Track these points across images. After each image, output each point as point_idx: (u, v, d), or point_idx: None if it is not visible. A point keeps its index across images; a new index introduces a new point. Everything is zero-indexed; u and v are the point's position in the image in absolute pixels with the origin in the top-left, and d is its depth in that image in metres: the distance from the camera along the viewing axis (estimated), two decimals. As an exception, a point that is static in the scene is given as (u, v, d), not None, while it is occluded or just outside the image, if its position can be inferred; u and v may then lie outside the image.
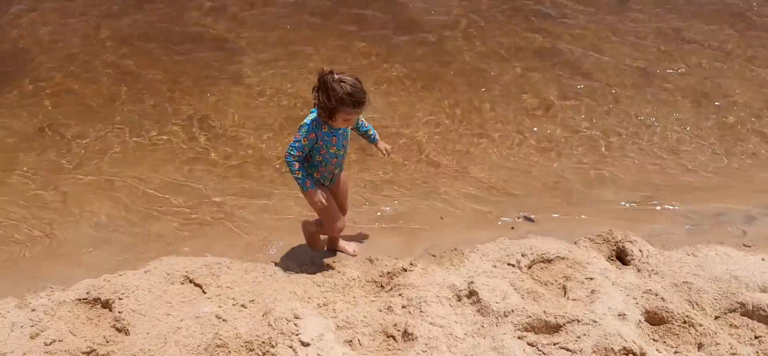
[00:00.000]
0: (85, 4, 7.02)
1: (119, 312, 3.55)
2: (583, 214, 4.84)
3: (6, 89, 5.88)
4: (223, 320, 3.45)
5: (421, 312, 3.56)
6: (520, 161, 5.36)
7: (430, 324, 3.46)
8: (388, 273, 3.98)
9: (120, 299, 3.64)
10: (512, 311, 3.46)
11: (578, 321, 3.35)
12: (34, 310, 3.58)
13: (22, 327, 3.43)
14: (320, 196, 3.73)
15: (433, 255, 4.42)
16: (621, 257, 4.30)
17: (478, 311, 3.58)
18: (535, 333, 3.35)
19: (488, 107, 5.94)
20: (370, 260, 4.17)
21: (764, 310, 3.43)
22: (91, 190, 4.90)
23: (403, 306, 3.62)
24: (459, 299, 3.74)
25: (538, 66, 6.48)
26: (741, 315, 3.50)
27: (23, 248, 4.43)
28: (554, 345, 3.19)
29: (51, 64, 6.25)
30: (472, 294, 3.69)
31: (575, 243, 4.37)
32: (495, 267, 3.99)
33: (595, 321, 3.34)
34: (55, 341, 3.28)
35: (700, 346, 3.30)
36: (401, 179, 5.17)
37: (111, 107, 5.75)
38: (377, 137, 4.13)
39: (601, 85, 6.24)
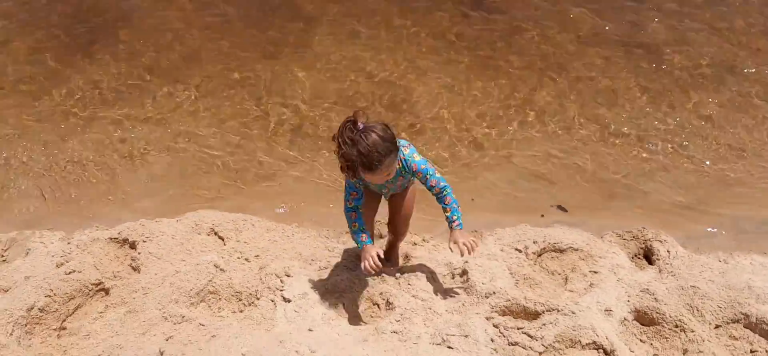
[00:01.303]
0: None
1: (138, 253, 3.90)
2: (621, 209, 4.64)
3: (102, 44, 6.48)
4: (222, 270, 3.70)
5: (409, 284, 3.63)
6: (569, 152, 5.19)
7: (413, 296, 3.52)
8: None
9: (144, 242, 3.99)
10: (494, 293, 3.44)
11: (557, 311, 3.28)
12: (69, 243, 4.03)
13: (53, 256, 3.88)
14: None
15: (451, 235, 4.43)
16: (648, 256, 4.11)
17: (465, 290, 3.59)
18: (510, 317, 3.31)
19: (549, 93, 5.75)
20: (380, 236, 4.26)
21: (766, 324, 3.17)
22: (154, 142, 5.35)
23: (396, 278, 3.70)
24: (452, 277, 3.78)
25: (612, 55, 6.17)
26: (744, 326, 3.27)
27: (87, 189, 4.95)
28: (519, 329, 3.15)
29: (142, 23, 6.79)
30: (464, 273, 3.71)
31: (601, 237, 4.23)
32: (502, 250, 3.97)
33: (573, 313, 3.26)
34: (74, 271, 3.67)
35: (684, 352, 3.13)
36: (443, 156, 5.19)
37: (189, 67, 6.17)
38: (457, 218, 3.27)
39: (675, 81, 5.84)
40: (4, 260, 4.16)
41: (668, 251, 3.99)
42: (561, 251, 3.99)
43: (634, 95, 5.68)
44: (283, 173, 5.11)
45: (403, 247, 4.06)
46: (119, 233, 4.11)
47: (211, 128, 5.49)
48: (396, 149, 2.97)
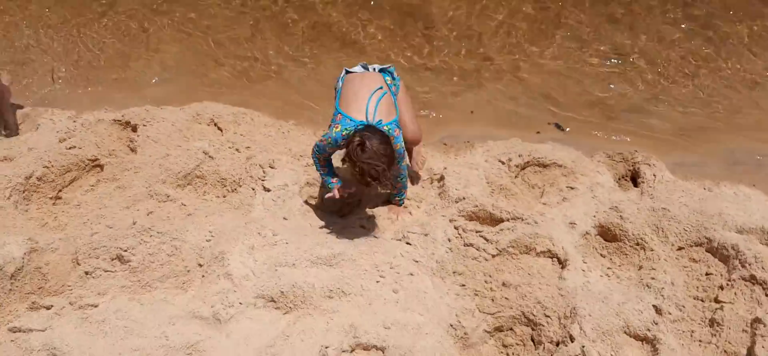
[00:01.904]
0: None
1: (137, 136, 4.10)
2: (619, 132, 4.61)
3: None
4: (211, 157, 3.87)
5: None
6: (578, 73, 5.12)
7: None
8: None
9: (144, 125, 4.18)
10: (464, 199, 3.52)
11: (521, 219, 3.35)
12: (75, 122, 4.25)
13: (58, 132, 4.10)
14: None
15: (445, 144, 4.50)
16: (635, 178, 4.10)
17: (439, 194, 3.68)
18: (473, 221, 3.40)
19: (573, 18, 5.61)
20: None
21: (727, 250, 3.17)
22: (170, 33, 5.50)
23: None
24: (431, 182, 3.87)
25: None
26: (706, 250, 3.27)
27: (102, 73, 5.16)
28: (477, 232, 3.24)
29: None
30: (441, 178, 3.79)
31: (591, 157, 4.22)
32: (486, 161, 4.00)
33: (536, 222, 3.34)
34: (74, 147, 3.90)
35: (639, 269, 3.18)
36: (448, 68, 5.20)
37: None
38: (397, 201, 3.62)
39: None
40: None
41: (654, 175, 3.96)
42: (545, 166, 4.01)
43: (656, 23, 5.50)
44: (289, 72, 5.20)
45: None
46: (123, 116, 4.29)
47: (226, 23, 5.59)
48: (395, 157, 3.16)
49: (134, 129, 4.23)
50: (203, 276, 2.81)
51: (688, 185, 3.87)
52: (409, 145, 3.83)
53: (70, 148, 3.91)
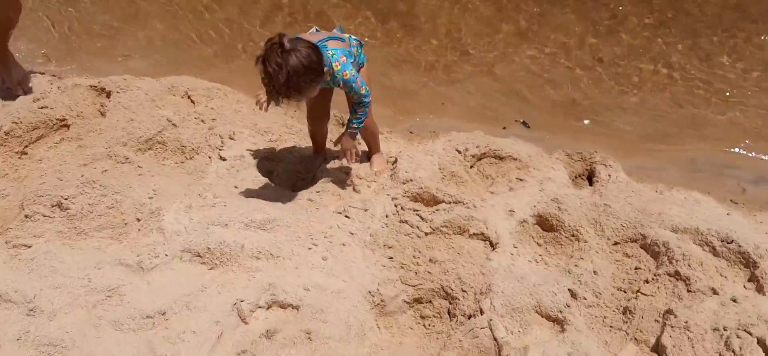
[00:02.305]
0: None
1: (109, 101, 4.24)
2: (583, 133, 4.67)
3: None
4: (174, 125, 4.00)
5: (341, 165, 3.84)
6: (551, 74, 5.19)
7: (340, 176, 3.74)
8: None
9: (118, 92, 4.32)
10: (411, 181, 3.60)
11: (461, 204, 3.44)
12: (52, 84, 4.40)
13: (35, 92, 4.26)
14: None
15: (411, 132, 4.60)
16: (591, 178, 4.16)
17: (391, 176, 3.77)
18: (416, 202, 3.48)
19: (553, 20, 5.69)
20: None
21: (658, 246, 3.22)
22: (159, 9, 5.65)
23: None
24: (387, 161, 3.96)
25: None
26: (639, 246, 3.32)
27: (91, 42, 5.32)
28: (415, 211, 3.33)
29: None
30: (395, 161, 3.88)
31: (550, 155, 4.29)
32: (444, 149, 4.07)
33: (474, 206, 3.42)
34: (46, 106, 4.04)
35: (570, 258, 3.25)
36: (425, 59, 5.30)
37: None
38: (352, 129, 3.46)
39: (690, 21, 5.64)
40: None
41: (609, 175, 4.01)
42: (501, 158, 4.07)
43: (634, 28, 5.56)
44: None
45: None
46: (99, 82, 4.43)
47: (214, 4, 5.74)
48: (322, 72, 3.02)
49: (108, 95, 4.36)
50: (139, 230, 2.92)
51: (640, 187, 3.92)
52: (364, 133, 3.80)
53: (42, 108, 4.05)
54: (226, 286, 2.61)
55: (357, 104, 3.35)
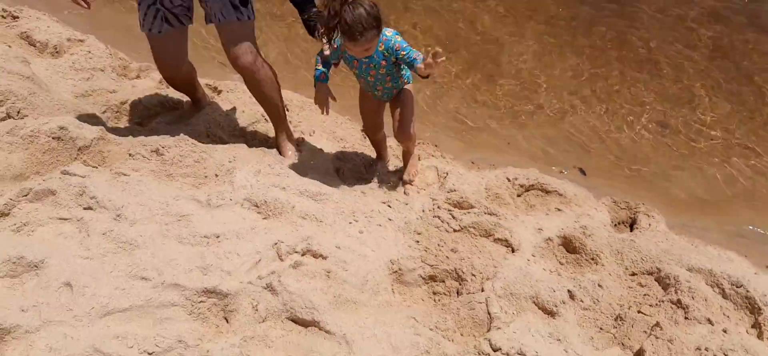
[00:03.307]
0: None
1: (219, 96, 5.00)
2: (637, 187, 4.93)
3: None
4: (266, 120, 4.68)
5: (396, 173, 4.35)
6: (615, 130, 5.49)
7: (398, 177, 4.25)
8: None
9: (227, 92, 5.10)
10: (455, 190, 4.04)
11: (494, 215, 3.83)
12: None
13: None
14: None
15: (473, 163, 5.05)
16: (632, 226, 4.42)
17: (439, 186, 4.23)
18: (453, 206, 3.90)
19: (624, 80, 6.02)
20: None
21: (669, 279, 3.47)
22: (274, 36, 6.47)
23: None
24: (438, 178, 4.42)
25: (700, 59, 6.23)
26: (654, 278, 3.58)
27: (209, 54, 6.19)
28: (449, 212, 3.75)
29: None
30: (446, 175, 4.34)
31: (597, 199, 4.59)
32: (496, 177, 4.49)
33: (505, 217, 3.80)
34: (167, 95, 4.85)
35: (582, 275, 3.55)
36: (499, 103, 5.76)
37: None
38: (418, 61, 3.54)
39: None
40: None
41: (649, 224, 4.27)
42: (547, 192, 4.41)
43: (704, 101, 5.77)
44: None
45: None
46: (214, 82, 5.21)
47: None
48: (379, 27, 3.35)
49: (219, 92, 5.14)
50: (214, 182, 3.55)
51: (676, 238, 4.14)
52: (400, 139, 4.04)
53: (164, 95, 4.86)
54: (272, 230, 3.15)
55: (414, 59, 3.53)
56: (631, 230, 4.33)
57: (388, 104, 4.12)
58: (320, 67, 3.72)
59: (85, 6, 3.52)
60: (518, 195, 4.41)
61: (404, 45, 3.57)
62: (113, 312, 2.59)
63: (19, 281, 2.68)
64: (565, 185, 4.50)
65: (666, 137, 5.43)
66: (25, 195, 3.09)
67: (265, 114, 4.62)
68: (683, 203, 4.82)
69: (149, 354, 2.48)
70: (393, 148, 4.62)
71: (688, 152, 5.27)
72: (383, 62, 3.69)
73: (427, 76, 3.55)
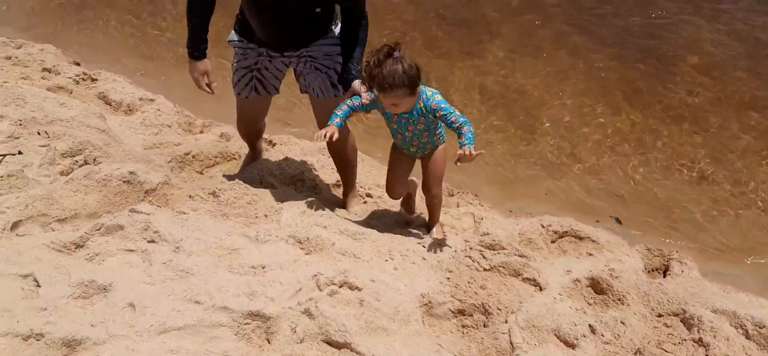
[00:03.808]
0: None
1: (273, 148, 5.43)
2: (672, 236, 5.06)
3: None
4: (315, 171, 5.05)
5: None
6: (653, 183, 5.64)
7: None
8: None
9: (281, 144, 5.52)
10: (488, 234, 4.28)
11: (524, 257, 4.05)
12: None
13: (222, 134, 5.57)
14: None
15: (510, 211, 5.28)
16: (665, 273, 4.55)
17: (474, 231, 4.48)
18: (485, 248, 4.14)
19: (667, 134, 6.18)
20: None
21: (693, 320, 3.58)
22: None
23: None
24: (474, 221, 4.67)
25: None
26: (680, 319, 3.70)
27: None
28: (480, 252, 3.99)
29: None
30: (481, 219, 4.59)
31: (631, 246, 4.74)
32: (530, 223, 4.71)
33: (534, 258, 4.02)
34: (227, 145, 5.30)
35: (606, 312, 3.71)
36: (539, 156, 6.00)
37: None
38: (467, 142, 3.56)
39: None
40: None
41: (682, 271, 4.39)
42: (580, 238, 4.58)
43: (745, 153, 5.87)
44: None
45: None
46: (270, 137, 5.66)
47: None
48: (413, 88, 3.53)
49: (273, 144, 5.56)
50: (263, 222, 3.92)
51: (708, 284, 4.25)
52: (425, 191, 4.17)
53: (224, 145, 5.32)
54: (312, 264, 3.47)
55: (459, 128, 3.61)
56: (664, 277, 4.44)
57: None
58: (340, 112, 3.80)
59: (210, 92, 4.09)
60: (552, 242, 4.59)
61: (443, 105, 3.70)
62: (169, 330, 2.92)
63: (90, 301, 3.06)
64: (599, 232, 4.66)
65: (702, 187, 5.54)
66: (98, 229, 3.50)
67: (313, 165, 5.00)
68: (716, 253, 4.91)
69: (199, 367, 2.80)
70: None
71: (724, 203, 5.36)
72: (422, 119, 3.81)
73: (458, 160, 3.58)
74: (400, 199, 4.61)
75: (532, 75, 7.08)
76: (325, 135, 3.60)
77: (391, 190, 4.30)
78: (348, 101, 3.82)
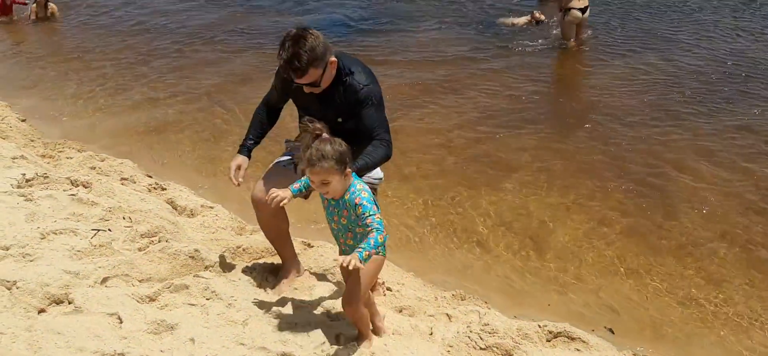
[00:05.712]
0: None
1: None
2: (657, 346, 5.68)
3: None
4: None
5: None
6: (647, 303, 6.29)
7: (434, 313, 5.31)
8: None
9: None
10: (487, 325, 5.02)
11: (516, 343, 4.77)
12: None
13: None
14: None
15: (515, 317, 6.00)
16: (649, 377, 5.17)
17: (477, 323, 5.22)
18: (483, 333, 4.86)
19: (660, 253, 6.88)
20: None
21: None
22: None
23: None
24: (479, 318, 5.41)
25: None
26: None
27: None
28: (479, 335, 4.72)
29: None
30: (483, 315, 5.34)
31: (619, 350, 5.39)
32: (529, 324, 5.41)
33: (526, 345, 4.73)
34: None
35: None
36: (541, 271, 6.75)
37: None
38: (362, 248, 3.31)
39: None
40: None
41: (664, 376, 5.03)
42: (572, 338, 5.28)
43: (735, 281, 6.51)
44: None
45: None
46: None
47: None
48: (340, 168, 3.34)
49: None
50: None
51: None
52: (343, 307, 3.88)
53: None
54: (334, 327, 4.30)
55: (367, 234, 3.39)
56: (649, 387, 5.05)
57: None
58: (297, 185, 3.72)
59: (235, 183, 4.48)
60: (547, 340, 5.28)
61: (365, 202, 3.43)
62: (220, 360, 3.76)
63: (160, 336, 3.92)
64: (591, 336, 5.34)
65: (691, 309, 6.16)
66: (168, 287, 4.42)
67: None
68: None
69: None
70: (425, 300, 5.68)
71: (712, 323, 5.96)
72: (345, 212, 3.56)
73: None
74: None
75: (538, 200, 7.94)
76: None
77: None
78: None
